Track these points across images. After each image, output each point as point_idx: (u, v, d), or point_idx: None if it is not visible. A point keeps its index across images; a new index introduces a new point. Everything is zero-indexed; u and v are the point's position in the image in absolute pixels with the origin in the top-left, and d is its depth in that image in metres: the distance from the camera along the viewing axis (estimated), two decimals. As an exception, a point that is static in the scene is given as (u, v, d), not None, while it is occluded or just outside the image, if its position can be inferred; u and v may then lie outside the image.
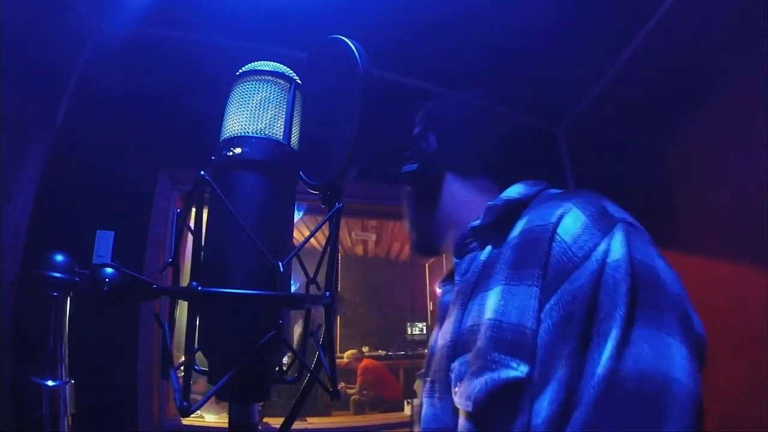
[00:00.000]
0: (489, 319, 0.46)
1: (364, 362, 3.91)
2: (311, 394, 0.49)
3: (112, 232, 1.43)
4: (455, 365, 0.49)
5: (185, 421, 1.44)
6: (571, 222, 0.44)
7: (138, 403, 1.37)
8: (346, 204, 0.47)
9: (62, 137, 1.43)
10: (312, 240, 0.44)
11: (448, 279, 0.64)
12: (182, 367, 0.40)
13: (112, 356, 1.36)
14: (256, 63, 0.48)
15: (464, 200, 0.62)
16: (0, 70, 1.11)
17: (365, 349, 4.78)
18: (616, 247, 0.42)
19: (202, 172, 0.39)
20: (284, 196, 0.46)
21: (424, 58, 1.72)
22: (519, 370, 0.41)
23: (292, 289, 0.47)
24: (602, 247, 0.42)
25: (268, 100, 0.46)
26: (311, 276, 0.49)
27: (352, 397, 3.59)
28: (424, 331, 5.32)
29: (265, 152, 0.44)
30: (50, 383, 0.38)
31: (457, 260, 0.59)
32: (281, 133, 0.45)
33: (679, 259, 0.86)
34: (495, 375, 0.42)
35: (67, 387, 0.39)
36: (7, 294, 1.23)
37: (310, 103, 0.51)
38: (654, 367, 0.37)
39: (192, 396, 0.38)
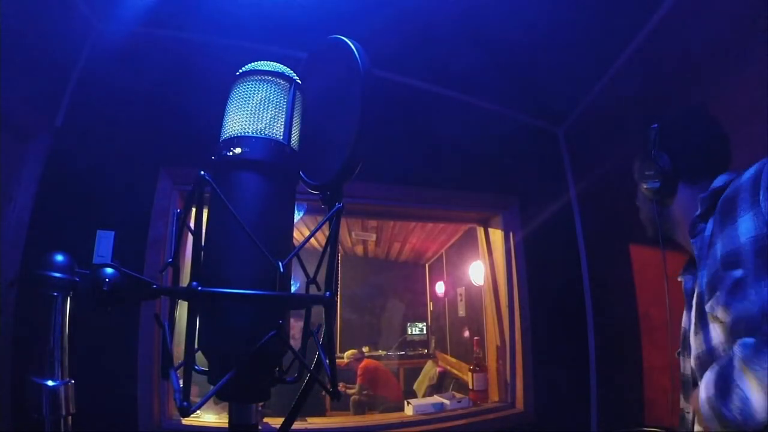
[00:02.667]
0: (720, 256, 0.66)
1: (364, 362, 3.91)
2: (311, 394, 0.49)
3: (112, 232, 1.43)
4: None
5: (185, 421, 1.43)
6: (748, 174, 0.66)
7: (138, 403, 1.37)
8: (346, 204, 0.47)
9: (62, 137, 1.43)
10: (312, 240, 0.44)
11: (689, 268, 0.82)
12: (182, 367, 0.40)
13: (112, 356, 1.36)
14: (256, 63, 0.48)
15: (692, 203, 0.77)
16: (0, 70, 1.11)
17: (365, 349, 4.78)
18: (749, 171, 0.65)
19: (202, 172, 0.39)
20: (284, 196, 0.46)
21: (424, 59, 1.72)
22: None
23: (292, 289, 0.47)
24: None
25: (268, 100, 0.46)
26: (311, 276, 0.49)
27: (352, 397, 3.59)
28: (424, 331, 5.32)
29: (265, 152, 0.44)
30: (50, 383, 0.38)
31: (692, 240, 0.76)
32: (281, 133, 0.45)
33: (679, 259, 0.86)
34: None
35: (67, 387, 0.39)
36: (7, 294, 1.23)
37: (310, 103, 0.51)
38: None
39: (192, 397, 0.38)
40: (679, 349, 0.84)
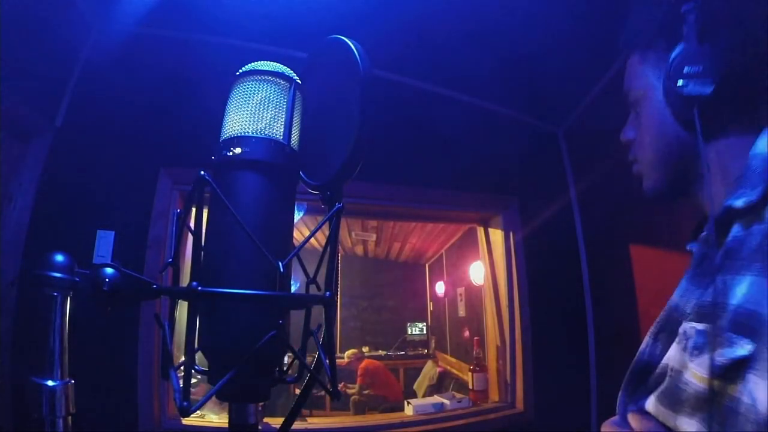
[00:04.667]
0: (735, 305, 0.45)
1: (364, 362, 3.91)
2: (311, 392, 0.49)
3: (112, 232, 1.43)
4: (691, 331, 0.48)
5: (185, 421, 1.44)
6: None
7: (138, 403, 1.37)
8: (346, 204, 0.47)
9: (62, 137, 1.43)
10: (312, 240, 0.44)
11: (698, 233, 0.57)
12: (182, 367, 0.40)
13: (112, 356, 1.36)
14: (256, 63, 0.48)
15: (739, 152, 0.51)
16: (0, 70, 1.11)
17: (365, 349, 4.78)
18: None
19: (202, 172, 0.39)
20: (284, 196, 0.46)
21: (425, 59, 1.72)
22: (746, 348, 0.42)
23: (292, 289, 0.47)
24: None
25: (268, 100, 0.46)
26: (311, 276, 0.49)
27: (352, 397, 3.59)
28: (424, 331, 5.32)
29: (265, 152, 0.44)
30: (50, 383, 0.38)
31: (692, 245, 0.56)
32: (281, 133, 0.45)
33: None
34: (730, 351, 0.43)
35: (67, 387, 0.39)
36: (7, 294, 1.23)
37: (311, 103, 0.51)
38: None
39: (192, 396, 0.38)
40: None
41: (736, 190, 0.48)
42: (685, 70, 0.50)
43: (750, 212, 0.47)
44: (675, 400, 0.49)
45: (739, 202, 0.47)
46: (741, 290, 0.45)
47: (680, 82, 0.50)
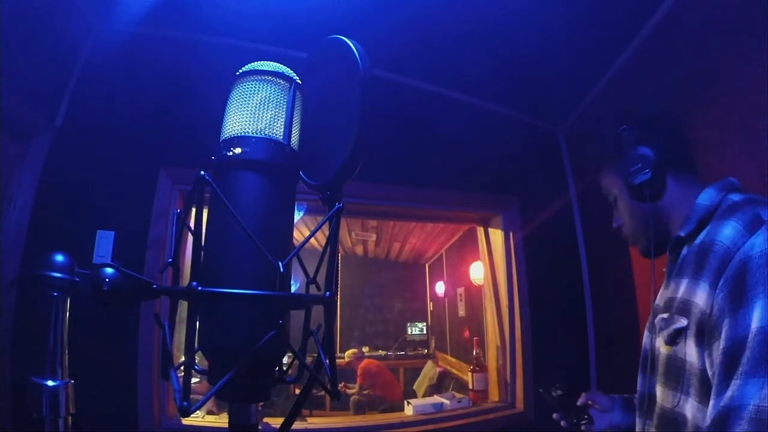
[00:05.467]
0: (679, 297, 0.70)
1: (364, 362, 3.91)
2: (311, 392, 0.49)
3: (112, 232, 1.43)
4: (659, 319, 0.75)
5: (185, 421, 1.44)
6: (730, 230, 0.64)
7: (138, 403, 1.37)
8: (346, 204, 0.47)
9: (62, 137, 1.43)
10: (312, 240, 0.44)
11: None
12: (182, 367, 0.40)
13: (112, 356, 1.36)
14: (256, 63, 0.48)
15: (681, 193, 0.78)
16: (0, 70, 1.11)
17: (365, 349, 4.78)
18: (758, 242, 0.59)
19: (202, 172, 0.39)
20: (284, 196, 0.46)
21: (425, 59, 1.72)
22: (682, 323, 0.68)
23: (292, 289, 0.47)
24: (749, 243, 0.60)
25: (268, 100, 0.46)
26: (311, 276, 0.49)
27: (352, 397, 3.59)
28: (424, 331, 5.32)
29: (265, 152, 0.44)
30: (50, 383, 0.38)
31: (669, 257, 0.80)
32: (281, 133, 0.45)
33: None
34: (674, 325, 0.69)
35: (67, 387, 0.39)
36: (7, 294, 1.23)
37: (311, 103, 0.51)
38: None
39: (192, 396, 0.38)
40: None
41: (683, 225, 0.75)
42: (631, 169, 0.79)
43: (689, 239, 0.74)
44: (654, 368, 0.76)
45: (682, 232, 0.75)
46: (682, 288, 0.70)
47: (630, 179, 0.79)
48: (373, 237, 4.44)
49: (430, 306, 5.35)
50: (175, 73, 1.54)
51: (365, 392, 3.63)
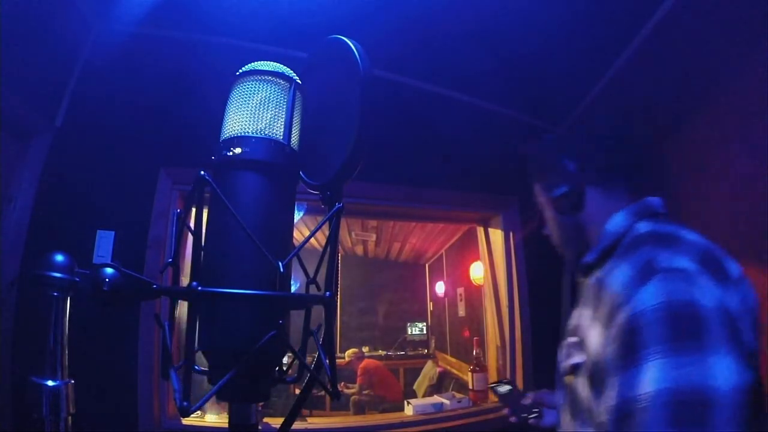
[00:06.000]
0: (580, 330, 0.68)
1: (364, 362, 3.91)
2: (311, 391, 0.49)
3: (112, 232, 1.43)
4: (564, 344, 0.74)
5: (185, 421, 1.44)
6: (622, 276, 0.60)
7: (138, 403, 1.37)
8: (346, 204, 0.47)
9: (62, 137, 1.43)
10: (312, 240, 0.44)
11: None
12: (182, 367, 0.40)
13: (112, 356, 1.36)
14: (256, 63, 0.48)
15: (603, 204, 0.75)
16: (0, 70, 1.11)
17: (365, 349, 4.78)
18: (648, 295, 0.54)
19: (202, 172, 0.39)
20: (284, 196, 0.46)
21: (425, 59, 1.72)
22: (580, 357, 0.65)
23: (292, 289, 0.47)
24: (639, 295, 0.54)
25: (268, 100, 0.46)
26: (311, 276, 0.49)
27: (352, 397, 3.59)
28: (424, 331, 5.32)
29: (265, 152, 0.44)
30: (50, 383, 0.38)
31: (582, 279, 0.77)
32: (281, 133, 0.45)
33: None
34: (571, 360, 0.67)
35: (67, 387, 0.39)
36: (7, 294, 1.23)
37: (311, 103, 0.51)
38: (692, 384, 0.48)
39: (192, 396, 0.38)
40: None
41: (590, 251, 0.73)
42: (550, 182, 0.78)
43: (593, 267, 0.72)
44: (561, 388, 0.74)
45: (589, 258, 0.73)
46: (584, 320, 0.68)
47: (549, 191, 0.78)
48: (373, 237, 4.44)
49: (430, 306, 5.35)
50: (175, 73, 1.54)
51: (365, 392, 3.63)
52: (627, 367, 0.53)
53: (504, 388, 1.06)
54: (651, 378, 0.50)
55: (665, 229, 0.64)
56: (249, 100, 0.45)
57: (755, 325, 0.57)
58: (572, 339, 0.70)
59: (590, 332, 0.63)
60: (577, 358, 0.66)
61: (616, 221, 0.70)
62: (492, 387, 1.10)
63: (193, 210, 0.42)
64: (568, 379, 0.69)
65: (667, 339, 0.50)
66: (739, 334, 0.52)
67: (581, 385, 0.64)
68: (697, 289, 0.53)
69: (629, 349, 0.53)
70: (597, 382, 0.60)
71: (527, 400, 0.98)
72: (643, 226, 0.67)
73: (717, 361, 0.48)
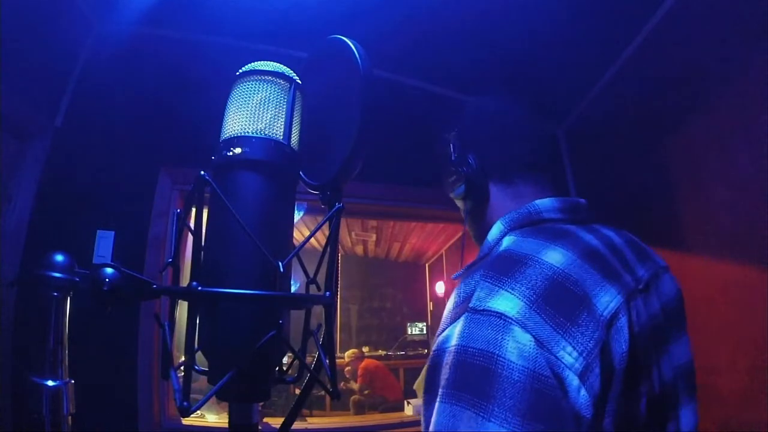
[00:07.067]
0: None
1: (365, 362, 3.91)
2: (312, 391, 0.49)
3: (112, 232, 1.43)
4: None
5: (185, 421, 1.43)
6: (450, 304, 0.53)
7: (138, 403, 1.36)
8: (346, 204, 0.47)
9: (62, 137, 1.43)
10: (312, 240, 0.44)
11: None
12: (182, 367, 0.40)
13: (112, 356, 1.36)
14: (256, 63, 0.48)
15: (507, 202, 0.67)
16: (0, 70, 1.11)
17: (365, 349, 4.78)
18: (452, 336, 0.47)
19: (202, 172, 0.39)
20: (284, 196, 0.46)
21: (425, 59, 1.72)
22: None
23: (292, 289, 0.47)
24: (445, 333, 0.49)
25: (268, 100, 0.46)
26: (311, 276, 0.49)
27: (352, 397, 3.59)
28: (424, 331, 5.32)
29: (265, 152, 0.44)
30: (50, 383, 0.38)
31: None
32: (281, 133, 0.45)
33: (679, 258, 0.86)
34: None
35: (67, 387, 0.39)
36: (7, 294, 1.22)
37: (311, 103, 0.51)
38: None
39: (192, 396, 0.38)
40: None
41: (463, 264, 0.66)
42: (449, 179, 0.71)
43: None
44: None
45: (455, 276, 0.65)
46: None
47: (452, 191, 0.71)
48: (373, 237, 4.44)
49: (430, 306, 5.35)
50: (174, 73, 1.54)
51: (365, 392, 3.63)
52: (425, 400, 0.50)
53: None
54: (434, 419, 0.45)
55: (519, 248, 0.52)
56: (249, 100, 0.45)
57: (615, 374, 0.45)
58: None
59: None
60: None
61: (494, 231, 0.62)
62: None
63: (193, 210, 0.42)
64: None
65: (451, 385, 0.44)
66: (548, 403, 0.42)
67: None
68: (501, 342, 0.43)
69: (427, 384, 0.50)
70: None
71: None
72: (506, 243, 0.56)
73: (489, 428, 0.41)
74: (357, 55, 0.48)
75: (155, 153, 1.53)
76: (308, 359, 0.49)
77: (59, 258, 0.40)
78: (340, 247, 0.49)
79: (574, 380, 0.42)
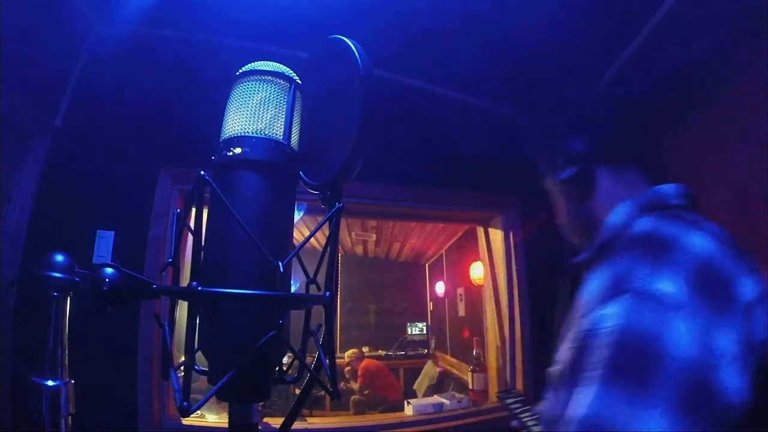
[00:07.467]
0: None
1: (364, 362, 3.91)
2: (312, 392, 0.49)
3: (112, 232, 1.43)
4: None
5: (185, 421, 1.43)
6: (594, 287, 0.52)
7: (138, 403, 1.37)
8: (346, 204, 0.47)
9: (62, 137, 1.43)
10: (312, 240, 0.44)
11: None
12: (182, 367, 0.40)
13: (112, 356, 1.36)
14: (256, 63, 0.48)
15: (618, 189, 0.65)
16: (0, 70, 1.11)
17: (365, 349, 4.78)
18: (608, 316, 0.46)
19: (202, 172, 0.39)
20: (284, 196, 0.46)
21: (425, 59, 1.72)
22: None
23: (292, 289, 0.47)
24: (597, 313, 0.48)
25: (268, 100, 0.46)
26: (311, 276, 0.49)
27: (352, 397, 3.59)
28: (424, 331, 5.32)
29: (265, 152, 0.44)
30: (50, 383, 0.38)
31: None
32: (281, 133, 0.45)
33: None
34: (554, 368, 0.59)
35: (67, 387, 0.39)
36: (7, 294, 1.23)
37: (311, 103, 0.51)
38: (613, 425, 0.40)
39: (192, 396, 0.38)
40: None
41: (585, 249, 0.65)
42: (554, 164, 0.69)
43: (587, 265, 0.62)
44: None
45: (580, 257, 0.65)
46: (571, 326, 0.57)
47: (556, 176, 0.69)
48: (373, 237, 4.44)
49: (430, 306, 5.35)
50: (175, 72, 1.54)
51: (365, 392, 3.63)
52: (567, 384, 0.49)
53: (512, 399, 1.02)
54: (580, 402, 0.44)
55: (665, 231, 0.52)
56: (249, 100, 0.45)
57: (759, 361, 0.45)
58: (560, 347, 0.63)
59: (564, 340, 0.57)
60: (555, 368, 0.59)
61: (618, 213, 0.61)
62: (500, 397, 1.06)
63: (193, 210, 0.42)
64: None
65: (608, 367, 0.43)
66: (704, 394, 0.41)
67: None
68: (666, 325, 0.42)
69: (573, 366, 0.48)
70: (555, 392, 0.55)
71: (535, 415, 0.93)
72: (642, 224, 0.55)
73: (646, 417, 0.40)
74: (357, 55, 0.48)
75: (155, 153, 1.53)
76: (308, 359, 0.49)
77: (59, 258, 0.40)
78: (340, 247, 0.49)
79: (731, 368, 0.42)
